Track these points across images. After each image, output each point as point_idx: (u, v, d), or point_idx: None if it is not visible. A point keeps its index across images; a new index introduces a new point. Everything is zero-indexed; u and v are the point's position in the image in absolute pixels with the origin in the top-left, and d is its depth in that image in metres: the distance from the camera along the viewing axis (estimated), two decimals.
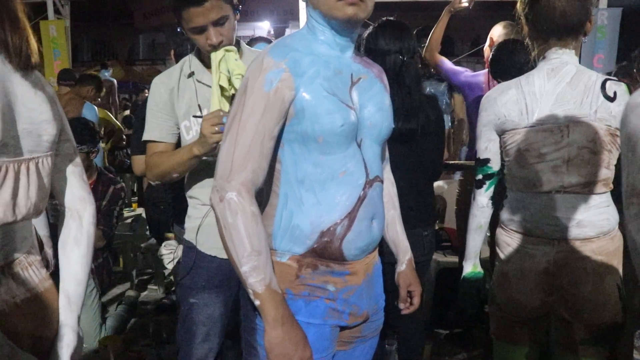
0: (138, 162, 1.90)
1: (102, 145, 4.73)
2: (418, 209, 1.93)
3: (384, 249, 1.41)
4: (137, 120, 2.27)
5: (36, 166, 1.07)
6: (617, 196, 1.52)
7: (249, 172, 1.04)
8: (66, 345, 1.15)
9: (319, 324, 1.14)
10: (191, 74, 1.59)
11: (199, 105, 1.56)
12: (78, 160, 1.22)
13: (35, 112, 1.05)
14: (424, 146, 1.93)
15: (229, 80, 1.47)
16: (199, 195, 1.63)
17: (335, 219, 1.12)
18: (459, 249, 2.64)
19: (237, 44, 1.62)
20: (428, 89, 3.39)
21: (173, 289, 3.48)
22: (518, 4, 1.53)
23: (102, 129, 4.77)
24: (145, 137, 1.62)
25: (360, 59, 1.23)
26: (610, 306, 1.49)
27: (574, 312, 1.50)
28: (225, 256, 1.55)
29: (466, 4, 2.76)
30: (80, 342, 1.20)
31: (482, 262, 1.74)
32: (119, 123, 5.09)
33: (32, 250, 1.16)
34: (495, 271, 1.64)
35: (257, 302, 1.03)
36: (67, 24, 5.84)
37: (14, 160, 1.01)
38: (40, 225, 1.86)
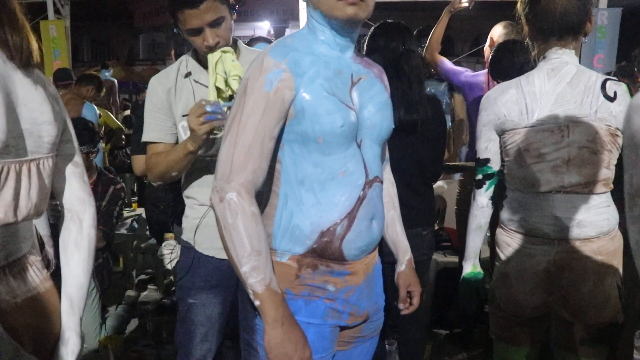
0: (138, 162, 1.90)
1: (102, 145, 4.74)
2: (417, 208, 1.93)
3: (383, 249, 1.41)
4: (137, 120, 2.27)
5: (37, 167, 1.07)
6: (617, 196, 1.52)
7: (248, 173, 1.04)
8: (71, 351, 1.16)
9: (318, 324, 1.14)
10: (188, 74, 1.59)
11: None
12: (79, 160, 1.22)
13: (36, 113, 1.05)
14: (423, 146, 1.93)
15: (226, 82, 1.47)
16: (196, 195, 1.63)
17: (335, 219, 1.12)
18: (459, 249, 2.64)
19: (235, 44, 1.61)
20: (428, 89, 3.39)
21: (173, 289, 3.48)
22: (518, 4, 1.53)
23: (103, 128, 4.77)
24: (144, 138, 1.61)
25: (360, 59, 1.22)
26: (610, 306, 1.49)
27: (574, 312, 1.50)
28: (222, 256, 1.56)
29: (466, 4, 2.76)
30: (82, 344, 1.20)
31: (482, 262, 1.74)
32: (119, 123, 5.08)
33: (32, 250, 1.16)
34: (495, 271, 1.64)
35: (257, 303, 1.03)
36: (67, 24, 5.84)
37: (15, 161, 1.01)
38: (41, 225, 1.87)
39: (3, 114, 0.96)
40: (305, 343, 1.05)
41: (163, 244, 3.03)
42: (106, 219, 2.85)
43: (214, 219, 1.07)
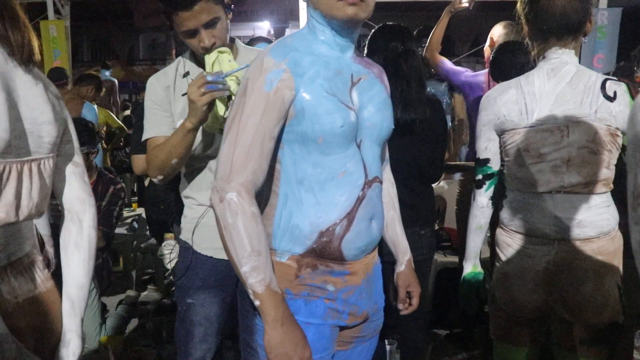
0: (138, 162, 1.90)
1: (104, 145, 4.74)
2: (414, 207, 1.93)
3: (383, 248, 1.41)
4: (136, 120, 2.27)
5: (38, 167, 1.07)
6: (617, 196, 1.52)
7: (248, 173, 1.04)
8: (72, 352, 1.16)
9: (318, 324, 1.14)
10: (186, 74, 1.58)
11: None
12: (79, 161, 1.22)
13: (37, 112, 1.05)
14: (421, 147, 1.93)
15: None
16: (195, 195, 1.63)
17: (335, 219, 1.12)
18: (459, 249, 2.64)
19: (232, 42, 1.61)
20: (428, 89, 3.39)
21: (173, 289, 3.48)
22: (518, 4, 1.53)
23: (104, 128, 4.77)
24: (145, 136, 1.60)
25: (360, 59, 1.22)
26: (610, 306, 1.49)
27: (574, 312, 1.50)
28: (221, 256, 1.56)
29: (466, 4, 2.76)
30: (83, 345, 1.20)
31: (482, 262, 1.74)
32: (121, 123, 5.08)
33: (33, 250, 1.16)
34: (495, 271, 1.64)
35: (257, 302, 1.03)
36: (67, 24, 5.84)
37: (16, 160, 1.02)
38: (41, 224, 1.87)
39: (5, 113, 0.97)
40: (305, 343, 1.05)
41: (163, 244, 3.03)
42: (106, 219, 2.85)
43: (213, 219, 1.08)
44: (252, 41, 2.66)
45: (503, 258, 1.59)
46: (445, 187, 3.34)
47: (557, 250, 1.48)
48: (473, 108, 2.58)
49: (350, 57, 1.18)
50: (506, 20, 2.58)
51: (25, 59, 1.03)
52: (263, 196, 1.16)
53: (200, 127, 1.47)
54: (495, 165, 1.59)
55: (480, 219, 1.63)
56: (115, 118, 5.09)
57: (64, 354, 1.15)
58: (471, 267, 1.69)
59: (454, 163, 3.45)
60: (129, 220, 3.88)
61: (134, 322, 3.15)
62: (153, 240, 3.55)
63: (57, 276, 1.22)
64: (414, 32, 2.18)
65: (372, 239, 1.19)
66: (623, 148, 1.49)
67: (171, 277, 3.56)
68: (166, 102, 1.58)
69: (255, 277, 1.02)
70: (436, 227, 3.05)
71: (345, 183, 1.12)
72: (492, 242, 2.06)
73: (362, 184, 1.14)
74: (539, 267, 1.50)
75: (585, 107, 1.43)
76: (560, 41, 1.47)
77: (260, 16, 13.57)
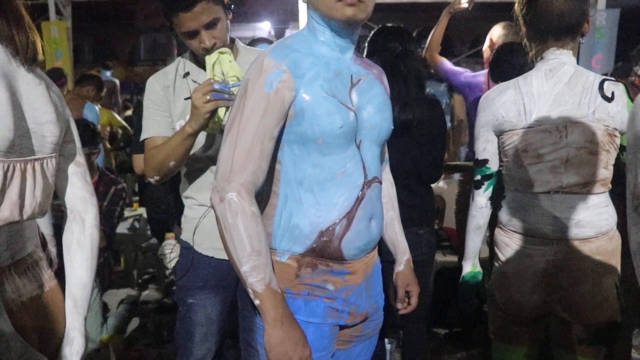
0: (139, 161, 1.91)
1: (107, 146, 4.74)
2: (413, 207, 1.93)
3: (383, 247, 1.41)
4: (137, 120, 2.27)
5: (41, 166, 1.08)
6: (616, 196, 1.53)
7: (249, 173, 1.05)
8: (76, 352, 1.17)
9: (318, 323, 1.14)
10: (186, 74, 1.58)
11: None
12: (81, 160, 1.23)
13: (40, 112, 1.06)
14: (420, 147, 1.93)
15: None
16: (195, 195, 1.63)
17: (334, 218, 1.12)
18: (459, 249, 2.64)
19: (232, 43, 1.61)
20: (428, 90, 3.40)
21: (174, 288, 3.49)
22: (516, 5, 1.53)
23: (109, 128, 4.77)
24: (143, 135, 1.60)
25: (360, 60, 1.23)
26: (608, 306, 1.49)
27: (573, 311, 1.50)
28: (222, 256, 1.56)
29: (466, 5, 2.76)
30: (86, 344, 1.21)
31: (482, 262, 1.74)
32: (124, 123, 5.08)
33: (37, 249, 1.17)
34: (494, 271, 1.64)
35: (257, 302, 1.04)
36: (69, 24, 5.86)
37: (20, 160, 1.02)
38: (44, 224, 1.87)
39: (10, 112, 0.98)
40: (305, 342, 1.06)
41: (163, 244, 3.04)
42: (107, 219, 2.86)
43: (213, 219, 1.08)
44: (253, 42, 2.66)
45: (502, 258, 1.59)
46: (444, 187, 3.35)
47: (556, 250, 1.48)
48: (473, 108, 2.58)
49: (350, 58, 1.18)
50: (505, 21, 2.58)
51: (30, 60, 1.04)
52: (263, 196, 1.16)
53: None
54: (493, 166, 1.60)
55: (479, 220, 1.63)
56: (119, 118, 5.09)
57: (68, 352, 1.16)
58: (470, 267, 1.70)
59: (454, 163, 3.45)
60: (130, 220, 3.89)
61: (135, 322, 3.16)
62: (154, 240, 3.56)
63: (60, 276, 1.23)
64: (414, 33, 2.18)
65: (371, 238, 1.20)
66: (621, 148, 1.49)
67: (172, 277, 3.56)
68: (165, 102, 1.58)
69: (255, 277, 1.02)
70: (435, 227, 3.05)
71: (345, 183, 1.13)
72: (491, 242, 2.06)
73: (362, 184, 1.15)
74: (537, 267, 1.51)
75: (583, 107, 1.44)
76: (558, 42, 1.47)
77: (261, 17, 13.56)
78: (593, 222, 1.47)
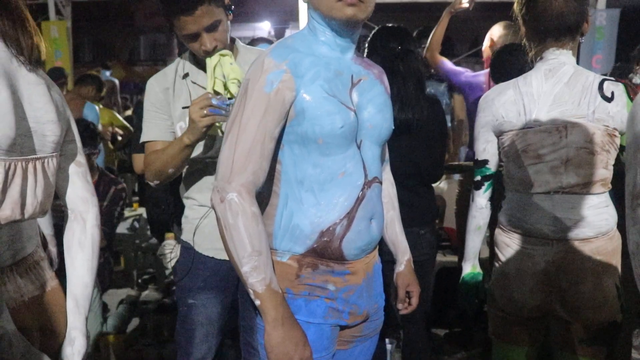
0: (138, 161, 1.91)
1: (110, 146, 4.74)
2: (414, 207, 1.93)
3: (383, 247, 1.41)
4: (137, 120, 2.28)
5: (42, 166, 1.08)
6: (616, 196, 1.53)
7: (249, 173, 1.05)
8: (77, 351, 1.17)
9: (319, 323, 1.14)
10: (186, 75, 1.58)
11: None
12: (82, 160, 1.23)
13: (40, 112, 1.06)
14: (420, 147, 1.93)
15: (225, 85, 1.46)
16: (195, 196, 1.63)
17: (335, 218, 1.12)
18: (459, 249, 2.64)
19: (232, 43, 1.61)
20: (428, 90, 3.40)
21: (174, 288, 3.49)
22: (515, 5, 1.53)
23: (110, 129, 4.76)
24: (143, 138, 1.60)
25: (361, 60, 1.23)
26: (608, 306, 1.49)
27: (573, 312, 1.50)
28: (222, 257, 1.56)
29: (467, 5, 2.76)
30: (88, 344, 1.21)
31: (482, 262, 1.74)
32: (126, 122, 5.08)
33: (38, 249, 1.17)
34: (494, 271, 1.64)
35: (257, 302, 1.04)
36: (69, 24, 5.87)
37: (21, 159, 1.03)
38: (44, 224, 1.87)
39: (11, 111, 0.98)
40: (306, 342, 1.06)
41: (163, 244, 3.04)
42: (107, 220, 2.86)
43: (214, 219, 1.08)
44: (253, 42, 2.67)
45: (502, 258, 1.60)
46: (444, 187, 3.35)
47: (556, 251, 1.49)
48: (473, 108, 2.57)
49: (351, 58, 1.18)
50: (505, 21, 2.58)
51: (34, 61, 1.05)
52: (264, 196, 1.16)
53: None
54: (493, 167, 1.60)
55: (479, 220, 1.63)
56: (120, 118, 5.09)
57: (69, 352, 1.16)
58: (470, 267, 1.70)
59: (454, 163, 3.45)
60: (130, 220, 3.89)
61: (134, 322, 3.16)
62: (154, 240, 3.56)
63: (60, 276, 1.23)
64: (414, 33, 2.19)
65: (372, 238, 1.20)
66: (621, 148, 1.49)
67: (172, 277, 3.57)
68: (165, 104, 1.58)
69: (256, 277, 1.02)
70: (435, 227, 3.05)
71: (345, 183, 1.13)
72: (491, 242, 2.06)
73: (362, 184, 1.15)
74: (537, 267, 1.51)
75: (583, 107, 1.44)
76: (557, 42, 1.47)
77: (261, 17, 13.55)
78: (593, 222, 1.47)
